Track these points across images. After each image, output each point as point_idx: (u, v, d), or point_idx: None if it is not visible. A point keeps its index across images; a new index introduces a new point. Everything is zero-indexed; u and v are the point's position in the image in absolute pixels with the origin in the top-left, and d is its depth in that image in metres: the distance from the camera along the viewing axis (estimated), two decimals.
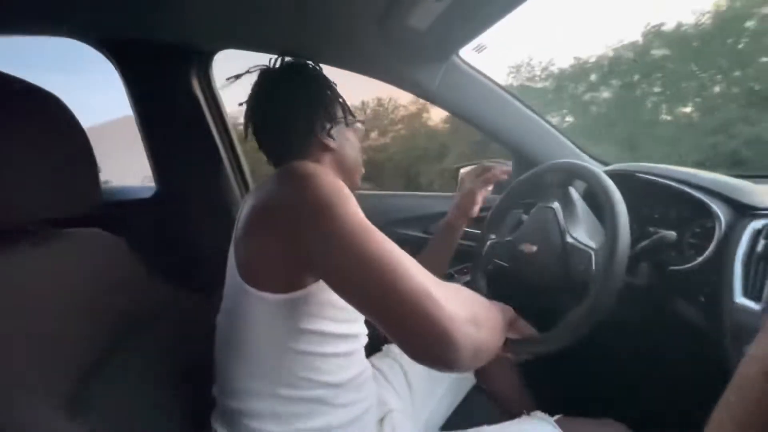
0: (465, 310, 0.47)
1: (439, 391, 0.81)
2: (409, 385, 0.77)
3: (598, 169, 0.69)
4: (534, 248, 0.75)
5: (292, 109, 0.66)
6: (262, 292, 0.51)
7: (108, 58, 0.92)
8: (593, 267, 0.63)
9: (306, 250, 0.47)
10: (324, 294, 0.54)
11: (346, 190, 0.50)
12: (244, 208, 0.62)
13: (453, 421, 0.83)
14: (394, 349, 0.84)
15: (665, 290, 0.73)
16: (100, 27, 0.85)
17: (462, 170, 1.28)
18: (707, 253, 0.67)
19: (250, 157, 1.14)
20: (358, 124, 0.74)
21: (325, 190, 0.48)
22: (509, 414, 0.82)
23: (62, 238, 0.58)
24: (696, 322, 0.67)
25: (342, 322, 0.58)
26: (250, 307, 0.53)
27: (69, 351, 0.49)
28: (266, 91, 0.68)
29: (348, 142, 0.71)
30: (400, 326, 0.44)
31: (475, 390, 0.90)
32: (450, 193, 1.33)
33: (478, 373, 0.89)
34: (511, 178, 1.06)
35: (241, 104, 0.70)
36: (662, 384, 0.89)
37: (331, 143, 0.67)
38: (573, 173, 0.75)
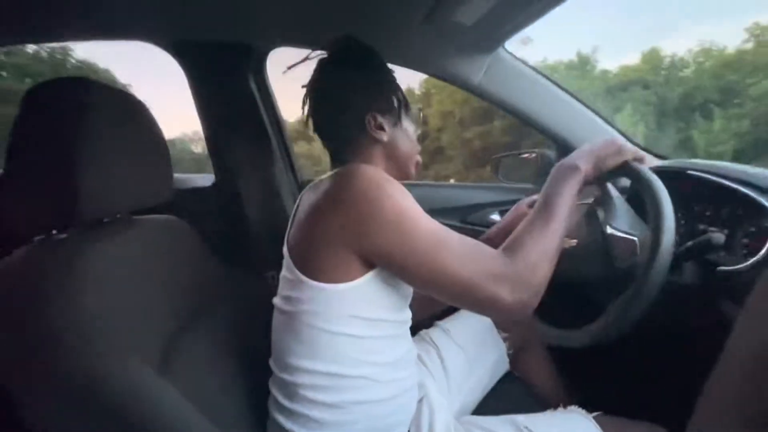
0: (524, 276, 0.55)
1: (473, 376, 0.84)
2: (445, 369, 0.81)
3: (642, 167, 0.68)
4: (574, 242, 0.76)
5: (339, 100, 0.66)
6: (318, 283, 0.57)
7: (175, 58, 1.01)
8: (636, 259, 0.62)
9: (371, 250, 0.55)
10: (376, 284, 0.58)
11: (404, 192, 0.56)
12: (301, 205, 0.67)
13: (485, 406, 0.86)
14: (431, 333, 0.88)
15: (713, 291, 0.71)
16: (171, 29, 0.94)
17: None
18: (761, 253, 0.64)
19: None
20: (414, 113, 0.73)
21: (385, 193, 0.55)
22: (542, 404, 0.85)
23: (142, 224, 0.66)
24: None
25: (391, 308, 0.62)
26: (306, 296, 0.58)
27: (153, 325, 0.56)
28: (319, 81, 0.68)
29: (402, 132, 0.70)
30: (473, 306, 0.56)
31: (508, 377, 0.91)
32: (487, 183, 1.33)
33: (513, 361, 0.91)
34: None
35: (304, 86, 0.69)
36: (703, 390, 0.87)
37: (383, 136, 0.67)
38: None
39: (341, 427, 0.60)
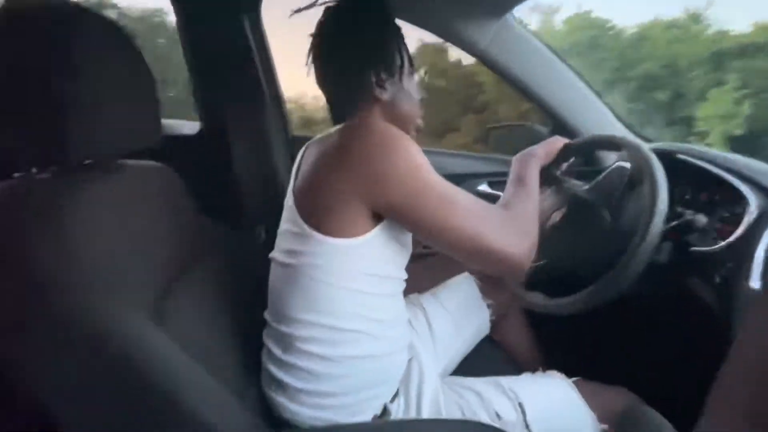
0: (525, 236, 0.61)
1: (459, 340, 0.87)
2: (432, 332, 0.83)
3: (641, 143, 0.70)
4: (559, 215, 0.78)
5: (345, 55, 0.64)
6: (328, 237, 0.57)
7: None
8: (626, 235, 0.66)
9: (383, 203, 0.56)
10: (384, 239, 0.60)
11: (414, 146, 0.58)
12: (305, 158, 0.66)
13: (464, 366, 0.88)
14: (420, 297, 0.89)
15: (683, 269, 0.76)
16: None
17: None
18: (733, 237, 0.68)
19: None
20: (417, 74, 0.72)
21: (397, 146, 0.56)
22: (518, 368, 0.90)
23: (128, 169, 0.62)
24: (709, 302, 0.70)
25: (394, 266, 0.64)
26: (312, 249, 0.58)
27: (144, 274, 0.54)
28: (325, 32, 0.65)
29: (405, 93, 0.68)
30: (483, 259, 0.60)
31: (486, 340, 0.94)
32: (483, 155, 1.34)
33: (494, 326, 0.95)
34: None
35: (311, 35, 0.66)
36: (671, 359, 0.95)
37: (384, 95, 0.65)
38: (617, 145, 0.76)
39: (334, 380, 0.62)
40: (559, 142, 0.79)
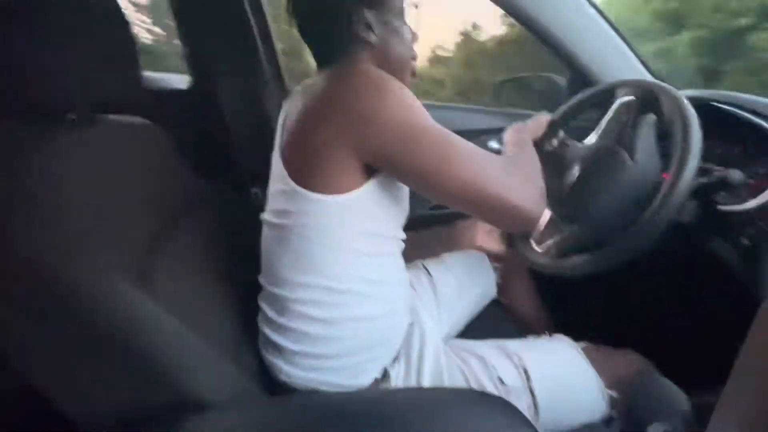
0: (531, 184, 0.60)
1: (463, 303, 0.85)
2: (437, 295, 0.81)
3: (679, 93, 0.62)
4: (575, 176, 0.72)
5: (329, 3, 0.60)
6: (317, 194, 0.54)
7: None
8: (648, 191, 0.61)
9: (375, 151, 0.53)
10: (377, 195, 0.57)
11: (406, 89, 0.54)
12: (290, 112, 0.62)
13: (470, 330, 0.87)
14: (423, 261, 0.86)
15: (707, 229, 0.70)
16: None
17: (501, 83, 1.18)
18: (763, 196, 0.62)
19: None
20: (412, 11, 0.67)
21: (391, 92, 0.52)
22: (523, 330, 0.88)
23: (106, 124, 0.58)
24: (733, 264, 0.65)
25: (389, 223, 0.61)
26: (303, 208, 0.55)
27: (127, 236, 0.51)
28: None
29: (395, 34, 0.64)
30: (488, 209, 0.57)
31: (492, 302, 0.93)
32: (494, 109, 1.25)
33: (500, 289, 0.92)
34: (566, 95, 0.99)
35: None
36: (686, 323, 0.92)
37: (371, 36, 0.61)
38: (650, 92, 0.67)
39: (333, 342, 0.60)
40: (543, 118, 0.79)
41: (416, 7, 0.68)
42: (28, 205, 0.42)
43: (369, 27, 0.61)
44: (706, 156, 0.77)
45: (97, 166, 0.51)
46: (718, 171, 0.67)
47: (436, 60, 4.56)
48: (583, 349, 0.67)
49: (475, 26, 4.49)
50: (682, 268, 0.86)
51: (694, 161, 0.56)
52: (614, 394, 0.64)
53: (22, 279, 0.41)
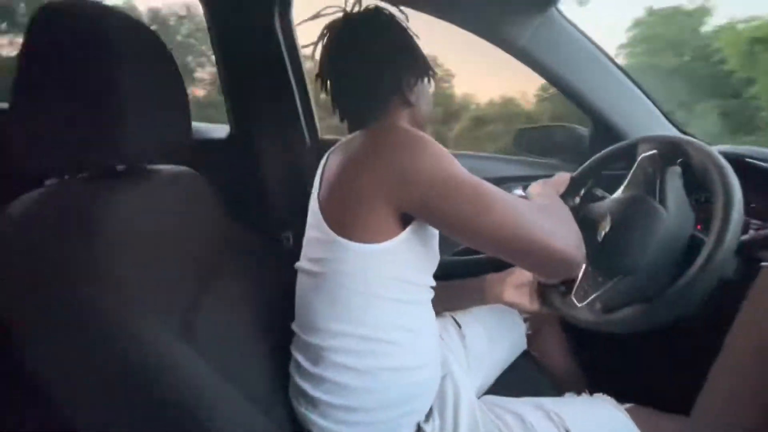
0: (569, 228, 0.62)
1: (494, 355, 0.82)
2: (466, 347, 0.79)
3: (709, 147, 0.63)
4: (607, 228, 0.72)
5: (378, 62, 0.64)
6: (353, 243, 0.55)
7: None
8: (692, 254, 0.59)
9: (414, 202, 0.55)
10: (410, 245, 0.58)
11: (438, 144, 0.57)
12: (329, 164, 0.65)
13: (499, 386, 0.84)
14: (451, 312, 0.84)
15: (746, 286, 0.68)
16: None
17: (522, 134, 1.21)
18: None
19: None
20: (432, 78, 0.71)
21: (426, 147, 0.55)
22: (556, 386, 0.84)
23: (158, 175, 0.61)
24: None
25: (423, 272, 0.63)
26: (339, 256, 0.56)
27: (173, 286, 0.53)
28: (346, 41, 0.65)
29: (424, 96, 0.70)
30: (523, 261, 0.60)
31: (523, 357, 0.90)
32: (518, 157, 1.27)
33: (530, 342, 0.90)
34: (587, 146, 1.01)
35: (305, 47, 0.69)
36: None
37: (412, 99, 0.66)
38: (677, 148, 0.68)
39: (366, 394, 0.59)
40: (565, 175, 0.81)
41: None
42: (87, 258, 0.43)
43: (412, 90, 0.66)
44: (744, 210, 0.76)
45: (151, 217, 0.54)
46: (756, 225, 0.66)
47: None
48: (628, 410, 0.64)
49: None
50: (718, 326, 0.83)
51: (738, 212, 0.55)
52: None
53: (75, 327, 0.42)
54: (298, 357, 0.62)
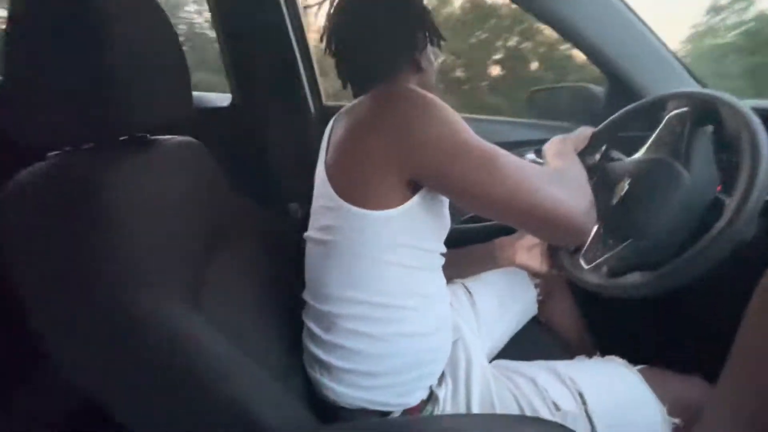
0: (580, 195, 0.61)
1: (505, 320, 0.83)
2: (476, 312, 0.79)
3: (745, 107, 0.59)
4: (625, 189, 0.69)
5: (391, 18, 0.62)
6: (363, 210, 0.54)
7: None
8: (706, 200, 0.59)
9: (424, 167, 0.54)
10: (420, 210, 0.57)
11: (449, 108, 0.55)
12: (335, 131, 0.64)
13: (509, 350, 0.84)
14: (461, 279, 0.84)
15: None
16: None
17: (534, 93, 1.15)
18: None
19: None
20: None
21: (437, 110, 0.54)
22: (566, 350, 0.84)
23: (161, 145, 0.59)
24: None
25: (433, 238, 0.62)
26: (349, 224, 0.56)
27: (180, 256, 0.52)
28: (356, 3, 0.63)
29: (431, 65, 0.69)
30: (532, 228, 0.61)
31: (532, 321, 0.90)
32: (531, 121, 1.23)
33: (540, 307, 0.89)
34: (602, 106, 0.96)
35: (307, 8, 0.66)
36: None
37: (423, 63, 0.65)
38: (707, 103, 0.64)
39: (380, 359, 0.59)
40: (587, 130, 0.78)
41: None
42: (93, 231, 0.43)
43: (421, 54, 0.65)
44: None
45: (156, 187, 0.52)
46: None
47: None
48: (640, 371, 0.64)
49: None
50: (745, 287, 0.81)
51: (764, 176, 0.53)
52: (677, 421, 0.60)
53: (85, 302, 0.42)
54: (311, 325, 0.63)
